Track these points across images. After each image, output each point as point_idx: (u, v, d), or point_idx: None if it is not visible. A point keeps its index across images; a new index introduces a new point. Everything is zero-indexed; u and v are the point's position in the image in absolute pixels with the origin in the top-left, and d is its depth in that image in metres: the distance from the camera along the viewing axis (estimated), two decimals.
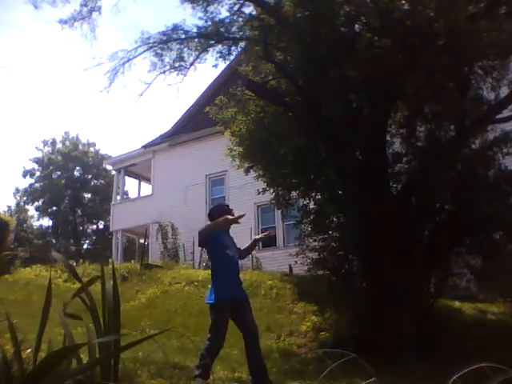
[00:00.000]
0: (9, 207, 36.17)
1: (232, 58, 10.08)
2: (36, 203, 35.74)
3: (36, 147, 36.89)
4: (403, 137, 9.49)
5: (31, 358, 2.43)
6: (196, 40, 9.37)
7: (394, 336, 7.39)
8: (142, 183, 24.09)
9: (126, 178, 23.26)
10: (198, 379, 4.28)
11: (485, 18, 7.07)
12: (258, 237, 5.60)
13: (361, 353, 3.00)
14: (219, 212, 5.09)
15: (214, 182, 18.85)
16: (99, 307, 2.67)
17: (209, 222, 5.14)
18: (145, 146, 21.02)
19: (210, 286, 4.97)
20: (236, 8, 9.01)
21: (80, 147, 36.34)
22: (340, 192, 9.35)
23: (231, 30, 9.09)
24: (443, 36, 7.05)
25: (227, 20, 9.04)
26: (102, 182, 36.23)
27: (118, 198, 22.77)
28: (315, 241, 9.61)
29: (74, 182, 35.48)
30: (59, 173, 35.61)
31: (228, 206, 5.38)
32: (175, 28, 9.15)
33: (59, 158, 35.43)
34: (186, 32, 9.22)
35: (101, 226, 36.99)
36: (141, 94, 9.95)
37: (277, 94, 9.40)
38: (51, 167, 35.43)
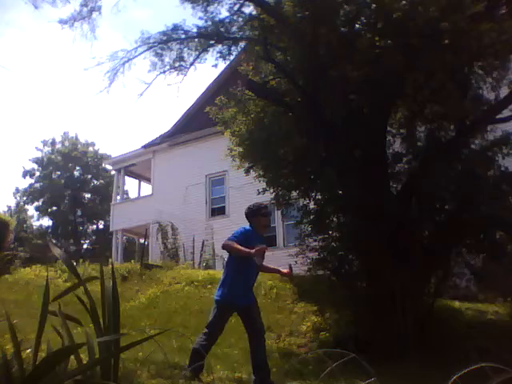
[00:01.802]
0: (9, 207, 36.24)
1: (232, 58, 10.08)
2: (36, 203, 35.80)
3: (36, 147, 36.98)
4: (403, 137, 9.49)
5: (31, 358, 2.42)
6: (196, 40, 9.37)
7: (394, 336, 7.40)
8: (142, 183, 24.11)
9: (126, 178, 23.27)
10: (195, 377, 4.29)
11: (485, 18, 7.07)
12: (284, 271, 5.28)
13: (361, 353, 3.00)
14: (255, 215, 5.04)
15: (213, 182, 18.85)
16: (99, 307, 2.67)
17: (240, 229, 4.95)
18: (145, 146, 21.02)
19: (220, 281, 4.99)
20: (236, 8, 9.02)
21: (79, 147, 36.34)
22: (340, 192, 9.34)
23: (231, 30, 9.09)
24: (444, 36, 7.06)
25: (227, 20, 9.04)
26: (102, 181, 36.25)
27: (118, 197, 22.77)
28: (315, 241, 9.60)
29: (73, 182, 35.50)
30: (59, 173, 35.65)
31: (266, 207, 5.21)
32: (175, 28, 9.15)
33: (59, 158, 35.47)
34: (186, 32, 9.22)
35: (101, 226, 37.02)
36: (141, 94, 9.97)
37: (277, 94, 9.40)
38: (51, 167, 35.47)
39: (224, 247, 4.84)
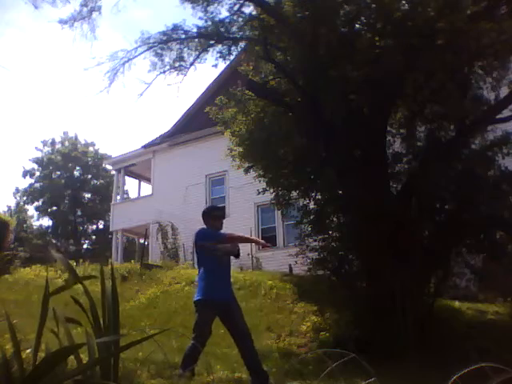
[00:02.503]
0: (9, 207, 36.18)
1: (232, 58, 10.10)
2: (36, 203, 35.74)
3: (36, 147, 36.86)
4: (403, 137, 9.50)
5: (31, 358, 2.42)
6: (196, 40, 9.38)
7: (394, 336, 7.39)
8: (142, 183, 24.09)
9: (126, 178, 23.26)
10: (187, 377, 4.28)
11: (485, 18, 7.07)
12: (259, 242, 5.58)
13: (361, 353, 3.00)
14: (208, 216, 5.24)
15: (213, 182, 18.84)
16: (99, 307, 2.67)
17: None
18: (145, 146, 21.02)
19: (197, 281, 5.00)
20: (236, 8, 9.03)
21: (79, 147, 36.33)
22: (340, 192, 9.35)
23: (231, 30, 9.10)
24: (443, 36, 7.06)
25: (227, 20, 9.05)
26: (102, 181, 36.23)
27: (118, 197, 22.76)
28: (315, 241, 9.61)
29: (73, 182, 35.46)
30: (59, 173, 35.61)
31: (219, 209, 5.38)
32: (175, 28, 9.16)
33: (59, 157, 35.44)
34: (186, 32, 9.23)
35: (101, 226, 36.97)
36: (141, 94, 9.98)
37: (277, 94, 9.41)
38: (51, 167, 35.43)
39: (233, 239, 5.17)
